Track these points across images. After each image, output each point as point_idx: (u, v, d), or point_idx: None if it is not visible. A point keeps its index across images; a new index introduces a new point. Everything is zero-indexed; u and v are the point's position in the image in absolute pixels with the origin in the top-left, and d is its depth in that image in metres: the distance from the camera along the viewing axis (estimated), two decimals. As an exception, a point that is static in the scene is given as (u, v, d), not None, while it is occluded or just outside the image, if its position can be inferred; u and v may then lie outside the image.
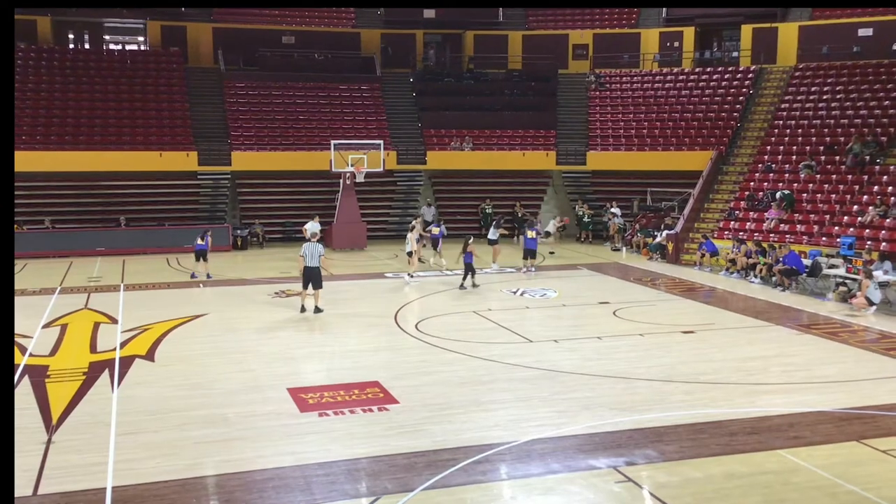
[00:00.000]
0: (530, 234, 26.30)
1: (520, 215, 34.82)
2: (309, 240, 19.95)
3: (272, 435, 11.39)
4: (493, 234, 26.93)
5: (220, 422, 11.87)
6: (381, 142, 32.59)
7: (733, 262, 25.48)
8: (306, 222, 27.66)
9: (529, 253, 26.08)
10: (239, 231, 32.30)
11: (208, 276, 24.31)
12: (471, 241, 23.29)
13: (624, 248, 31.31)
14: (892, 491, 9.44)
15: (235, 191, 34.61)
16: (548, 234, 29.02)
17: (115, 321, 18.71)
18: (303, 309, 19.44)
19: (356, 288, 23.28)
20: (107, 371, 14.53)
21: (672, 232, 29.18)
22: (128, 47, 41.69)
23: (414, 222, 26.76)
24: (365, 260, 28.80)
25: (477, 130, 36.89)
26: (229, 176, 34.49)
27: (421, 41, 41.46)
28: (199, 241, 24.29)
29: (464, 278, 22.90)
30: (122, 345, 16.49)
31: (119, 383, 13.86)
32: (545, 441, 11.11)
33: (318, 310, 19.20)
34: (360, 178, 31.53)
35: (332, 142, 31.87)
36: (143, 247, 30.43)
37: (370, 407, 12.50)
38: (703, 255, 27.00)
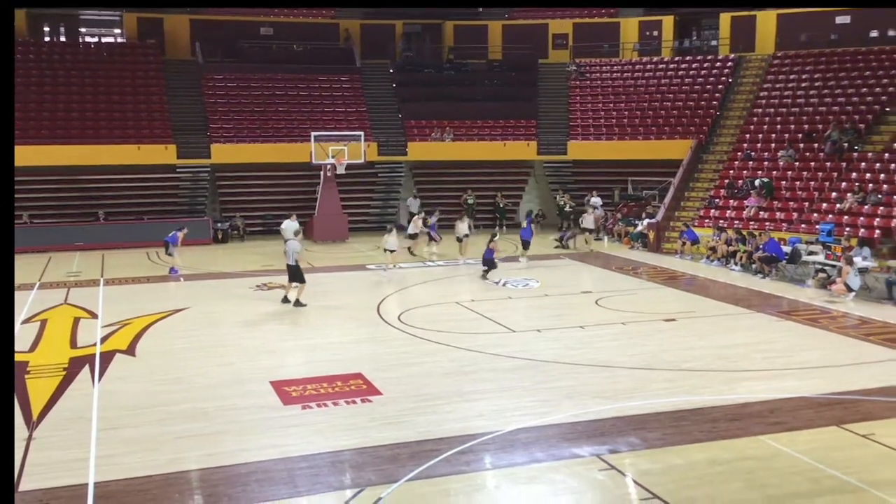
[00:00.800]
0: (523, 224, 26.97)
1: (501, 206, 34.84)
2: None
3: (255, 428, 11.35)
4: (527, 233, 26.81)
5: (203, 416, 11.80)
6: (362, 133, 32.47)
7: (714, 249, 25.61)
8: (287, 216, 27.21)
9: (524, 244, 26.14)
10: (219, 224, 32.12)
11: (172, 270, 24.07)
12: (496, 237, 23.70)
13: (606, 238, 31.38)
14: (871, 475, 9.54)
15: (215, 184, 34.39)
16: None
17: (94, 316, 18.57)
18: (285, 299, 19.60)
19: (338, 280, 23.21)
20: (87, 366, 14.41)
21: (653, 221, 29.28)
22: (104, 40, 41.26)
23: (417, 218, 27.79)
24: (346, 252, 28.72)
25: (458, 121, 36.82)
26: (209, 169, 34.26)
27: (400, 32, 41.29)
28: (170, 234, 24.33)
29: (486, 272, 23.00)
30: (103, 340, 16.36)
31: (100, 379, 13.75)
32: (528, 430, 11.13)
33: (297, 303, 19.15)
34: (340, 170, 31.40)
35: (313, 133, 31.71)
36: (123, 241, 30.20)
37: (353, 399, 12.47)
38: (683, 244, 27.12)
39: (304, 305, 19.07)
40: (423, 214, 28.84)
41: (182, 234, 24.67)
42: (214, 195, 34.25)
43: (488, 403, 12.26)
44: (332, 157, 31.12)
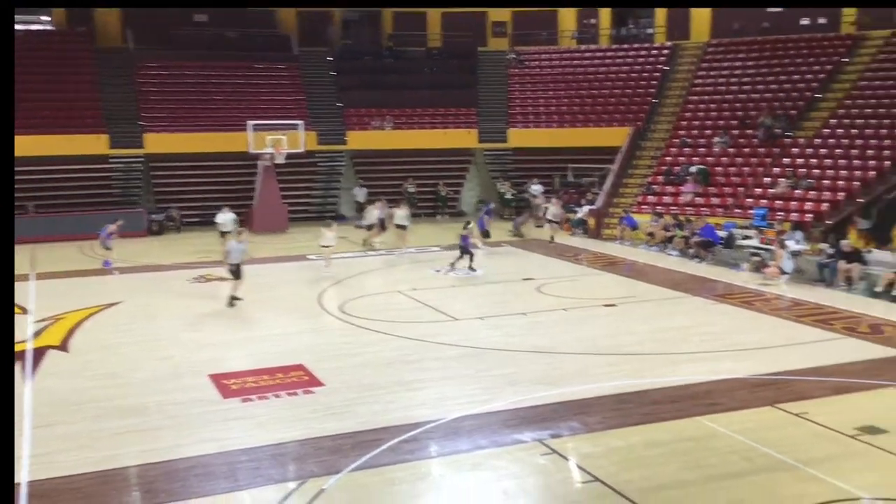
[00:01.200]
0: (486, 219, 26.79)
1: (443, 194, 34.82)
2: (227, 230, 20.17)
3: (194, 423, 11.15)
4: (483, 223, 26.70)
5: (140, 411, 11.55)
6: (301, 122, 32.08)
7: (652, 235, 26.00)
8: (222, 208, 26.15)
9: (484, 234, 26.19)
10: (154, 216, 31.44)
11: (105, 262, 23.48)
12: (469, 225, 23.18)
13: (546, 225, 31.58)
14: (804, 453, 9.79)
15: (149, 174, 33.62)
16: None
17: (25, 311, 18.00)
18: (231, 303, 18.34)
19: (278, 271, 22.93)
20: (19, 364, 13.98)
21: (593, 207, 29.60)
22: (32, 27, 39.93)
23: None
24: (287, 242, 28.39)
25: (398, 109, 36.64)
26: (142, 159, 33.48)
27: (339, 19, 40.81)
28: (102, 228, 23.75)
29: (458, 258, 22.11)
30: (34, 336, 15.89)
31: (32, 375, 13.36)
32: (472, 418, 11.16)
33: (233, 299, 18.30)
34: (279, 160, 30.99)
35: (250, 122, 31.22)
36: (54, 234, 29.34)
37: (295, 390, 12.34)
38: (623, 230, 27.48)
39: (241, 300, 18.56)
40: (379, 203, 28.02)
41: (116, 227, 24.05)
42: (149, 186, 33.50)
43: (431, 392, 12.26)
44: (271, 146, 30.69)
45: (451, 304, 18.17)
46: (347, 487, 9.12)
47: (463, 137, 36.15)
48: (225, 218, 25.40)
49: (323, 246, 22.91)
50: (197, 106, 35.17)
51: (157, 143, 33.30)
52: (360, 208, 32.50)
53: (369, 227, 27.10)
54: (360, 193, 33.52)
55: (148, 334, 16.06)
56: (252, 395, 12.16)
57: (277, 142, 30.78)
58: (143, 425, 11.02)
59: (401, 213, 26.13)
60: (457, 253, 22.26)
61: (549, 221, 27.90)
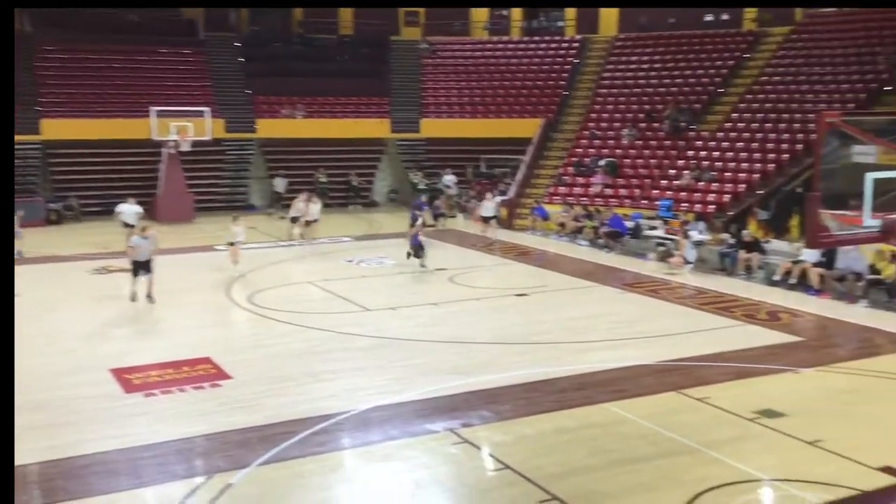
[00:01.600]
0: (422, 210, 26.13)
1: (355, 184, 34.53)
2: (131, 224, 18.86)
3: (95, 418, 10.76)
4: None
5: (39, 407, 11.07)
6: (207, 109, 31.25)
7: (563, 225, 26.38)
8: (126, 198, 24.73)
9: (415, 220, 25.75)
10: (52, 205, 30.19)
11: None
12: (419, 222, 22.31)
13: (460, 215, 31.69)
14: (706, 436, 10.08)
15: (47, 162, 32.23)
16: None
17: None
18: (133, 297, 17.26)
19: (185, 262, 22.29)
20: None
21: (505, 198, 29.83)
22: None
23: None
24: (194, 233, 27.65)
25: (309, 98, 36.09)
26: (40, 146, 32.07)
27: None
28: None
29: (416, 256, 21.11)
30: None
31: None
32: (383, 409, 11.10)
33: (150, 298, 17.23)
34: (184, 147, 30.13)
35: (153, 108, 30.25)
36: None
37: (201, 384, 12.03)
38: (534, 220, 27.79)
39: (154, 301, 17.21)
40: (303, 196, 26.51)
41: (18, 217, 22.91)
42: (46, 174, 32.12)
43: (342, 383, 12.14)
44: (176, 133, 29.82)
45: (363, 295, 18.03)
46: (256, 482, 8.94)
47: (375, 127, 35.88)
48: (128, 209, 24.06)
49: (230, 243, 21.08)
50: (98, 91, 33.87)
51: (56, 129, 31.93)
52: (280, 199, 31.87)
53: (294, 220, 25.79)
54: (281, 184, 32.84)
55: (47, 328, 15.40)
56: (156, 389, 11.81)
57: (182, 129, 29.92)
58: (42, 422, 10.58)
59: (315, 208, 25.48)
60: (416, 253, 21.17)
61: (485, 219, 26.30)
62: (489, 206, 26.68)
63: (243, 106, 35.36)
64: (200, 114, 30.62)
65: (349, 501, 8.85)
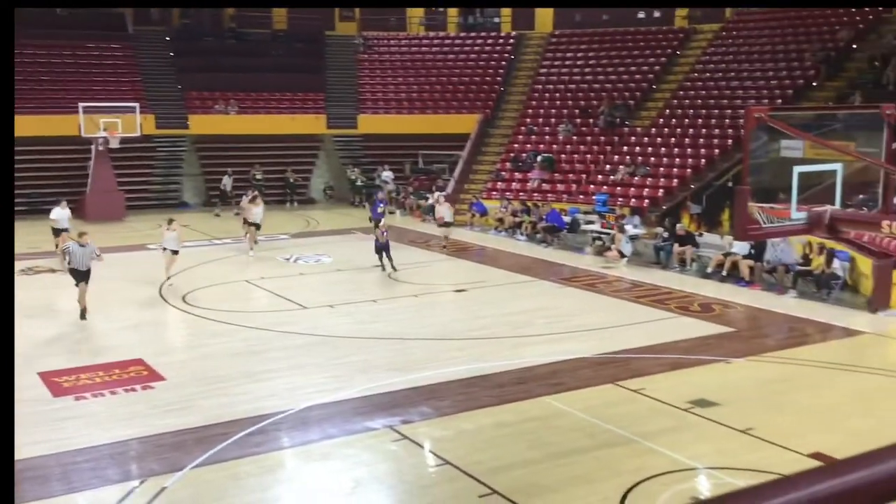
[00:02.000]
0: (381, 209, 25.07)
1: (292, 181, 34.15)
2: (70, 233, 17.01)
3: (24, 423, 10.33)
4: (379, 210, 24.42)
5: (-41, 415, 10.65)
6: (137, 104, 30.49)
7: (501, 220, 26.51)
8: (60, 202, 22.81)
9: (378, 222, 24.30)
10: (-23, 204, 29.14)
11: None
12: (382, 222, 21.20)
13: (398, 211, 31.61)
14: (642, 427, 10.22)
15: (-29, 159, 31.14)
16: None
17: None
18: (83, 315, 15.77)
19: (116, 261, 21.66)
20: None
21: (443, 194, 29.81)
22: None
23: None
24: (125, 231, 27.00)
25: (242, 93, 35.52)
26: (-37, 143, 30.95)
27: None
28: None
29: (385, 260, 20.05)
30: None
31: None
32: (322, 407, 10.99)
33: (83, 314, 15.75)
34: (114, 144, 29.39)
35: (81, 105, 29.42)
36: None
37: (133, 386, 11.75)
38: (473, 216, 27.86)
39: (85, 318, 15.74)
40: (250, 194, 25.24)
41: None
42: (-30, 172, 31.02)
43: (280, 382, 11.99)
44: (104, 130, 29.07)
45: (301, 293, 17.85)
46: (191, 484, 8.77)
47: (311, 123, 35.52)
48: (61, 214, 22.27)
49: (166, 249, 18.99)
50: (23, 87, 32.69)
51: (-22, 125, 30.85)
52: (227, 197, 31.01)
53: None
54: (230, 183, 32.12)
55: (-32, 331, 14.84)
56: (86, 392, 11.49)
57: (111, 125, 29.17)
58: (-38, 430, 10.17)
59: (257, 210, 23.40)
60: (384, 256, 20.16)
61: (442, 225, 24.08)
62: (445, 209, 24.32)
63: (174, 102, 34.63)
64: (130, 110, 29.88)
65: (287, 501, 8.75)
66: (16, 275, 19.85)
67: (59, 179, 29.84)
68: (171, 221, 19.37)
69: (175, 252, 18.84)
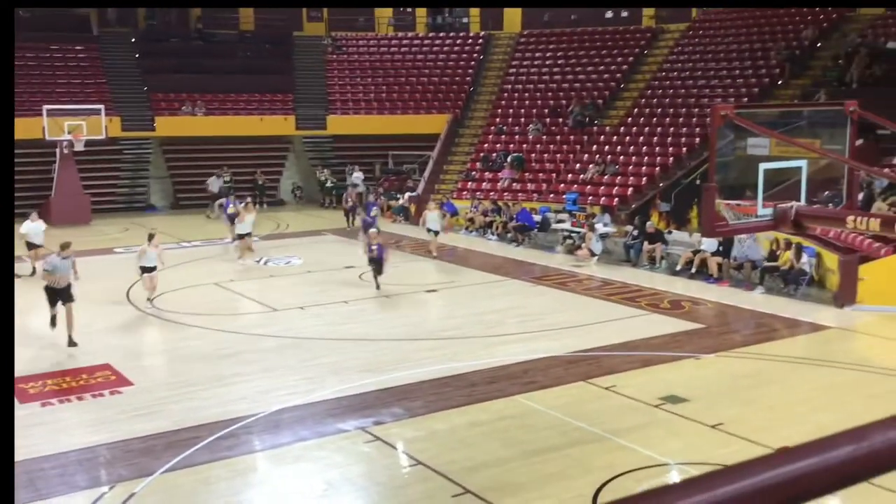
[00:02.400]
0: (374, 211, 23.93)
1: (260, 183, 33.91)
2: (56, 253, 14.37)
3: (-14, 432, 10.22)
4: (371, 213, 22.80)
5: (-79, 424, 10.45)
6: (102, 107, 30.10)
7: (472, 220, 26.53)
8: (30, 214, 20.87)
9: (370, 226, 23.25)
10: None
11: None
12: (374, 229, 18.89)
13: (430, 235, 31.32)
14: (613, 424, 10.27)
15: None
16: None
17: None
18: (53, 322, 14.24)
19: (82, 265, 21.33)
20: None
21: (414, 194, 29.81)
22: None
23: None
24: (91, 235, 26.64)
25: (210, 94, 35.19)
26: (-77, 147, 30.40)
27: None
28: None
29: (377, 273, 18.02)
30: None
31: None
32: (293, 409, 10.92)
33: (71, 342, 13.85)
34: (79, 147, 29.01)
35: (45, 107, 29.01)
36: None
37: (101, 391, 11.60)
38: (444, 216, 27.82)
39: (76, 344, 13.91)
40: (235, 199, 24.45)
41: None
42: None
43: (251, 385, 11.89)
44: (69, 132, 28.68)
45: (271, 295, 17.72)
46: (161, 489, 8.67)
47: (280, 124, 35.29)
48: (32, 227, 20.25)
49: (144, 268, 16.83)
50: (-15, 89, 32.29)
51: (-61, 128, 30.31)
52: (216, 199, 29.69)
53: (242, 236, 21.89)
54: (216, 184, 31.67)
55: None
56: (52, 398, 11.32)
57: (76, 128, 28.79)
58: (-76, 439, 9.98)
59: (249, 218, 21.81)
60: (377, 269, 18.12)
61: (430, 231, 22.49)
62: (434, 216, 22.59)
63: (140, 103, 34.24)
64: (95, 112, 29.52)
65: (259, 505, 8.67)
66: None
67: (23, 183, 29.31)
68: (152, 237, 17.31)
69: (154, 268, 16.88)
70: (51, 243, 18.38)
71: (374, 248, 17.95)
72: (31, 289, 17.39)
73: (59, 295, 14.02)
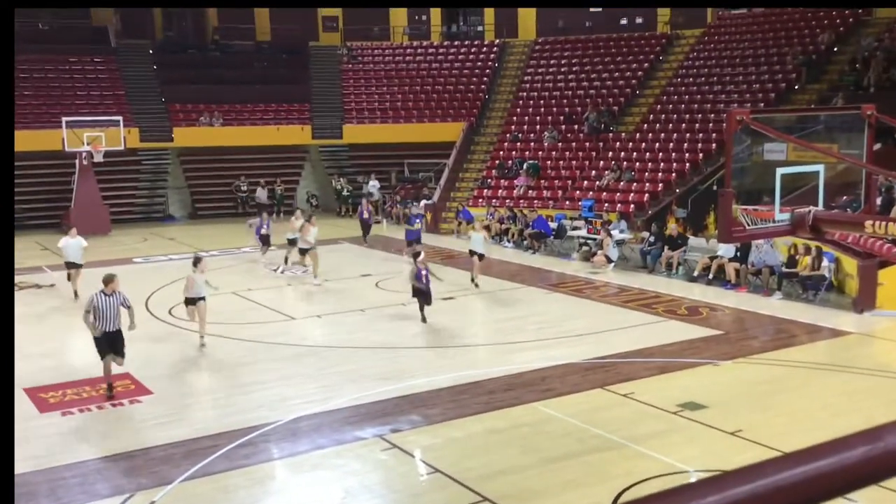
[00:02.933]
0: (417, 224, 23.17)
1: (279, 193, 34.09)
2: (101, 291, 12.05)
3: (8, 441, 10.31)
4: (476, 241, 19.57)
5: (-56, 433, 10.56)
6: (121, 118, 30.40)
7: (488, 228, 26.50)
8: (65, 227, 20.26)
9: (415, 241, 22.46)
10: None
11: None
12: (420, 256, 16.30)
13: (385, 220, 31.60)
14: (631, 431, 10.23)
15: (-46, 176, 30.96)
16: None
17: None
18: (110, 390, 11.94)
19: (100, 276, 21.60)
20: None
21: (430, 202, 29.88)
22: None
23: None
24: (110, 245, 26.86)
25: (227, 105, 35.45)
26: (-55, 159, 30.77)
27: (160, 11, 39.03)
28: None
29: (424, 304, 15.87)
30: None
31: None
32: (311, 417, 10.94)
33: (110, 390, 11.89)
34: (98, 158, 29.29)
35: (64, 119, 29.32)
36: None
37: (120, 401, 11.67)
38: (460, 223, 27.88)
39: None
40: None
41: None
42: (-47, 188, 30.84)
43: (269, 393, 11.93)
44: (88, 143, 28.97)
45: (288, 303, 17.83)
46: (180, 498, 8.71)
47: (296, 134, 35.47)
48: (73, 244, 18.46)
49: (191, 300, 14.56)
50: (6, 101, 32.65)
51: (-39, 141, 30.68)
52: (264, 209, 28.34)
53: (291, 242, 21.30)
54: (263, 194, 31.77)
55: (-47, 349, 14.72)
56: (72, 407, 11.40)
57: (95, 139, 29.08)
58: (-53, 448, 10.08)
59: (312, 232, 20.02)
60: (424, 299, 15.93)
61: (473, 253, 19.50)
62: (479, 239, 19.59)
63: (159, 115, 34.53)
64: (114, 123, 29.81)
65: (278, 513, 8.70)
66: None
67: (43, 195, 29.72)
68: (198, 261, 14.99)
69: (200, 300, 14.44)
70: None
71: (423, 273, 15.74)
72: (47, 298, 17.59)
73: (110, 345, 11.70)
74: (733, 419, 10.48)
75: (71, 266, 18.43)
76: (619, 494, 8.50)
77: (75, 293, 17.93)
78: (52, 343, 15.26)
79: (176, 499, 8.67)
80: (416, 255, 16.51)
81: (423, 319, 15.79)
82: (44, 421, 10.99)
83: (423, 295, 15.76)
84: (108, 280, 12.16)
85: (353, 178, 34.71)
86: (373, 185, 33.12)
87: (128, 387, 12.25)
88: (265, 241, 22.94)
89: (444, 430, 10.41)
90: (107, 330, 11.72)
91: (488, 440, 10.09)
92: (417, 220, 23.75)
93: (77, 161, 29.33)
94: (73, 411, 11.29)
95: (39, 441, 10.29)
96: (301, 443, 10.16)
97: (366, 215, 26.35)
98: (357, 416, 10.96)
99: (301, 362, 13.47)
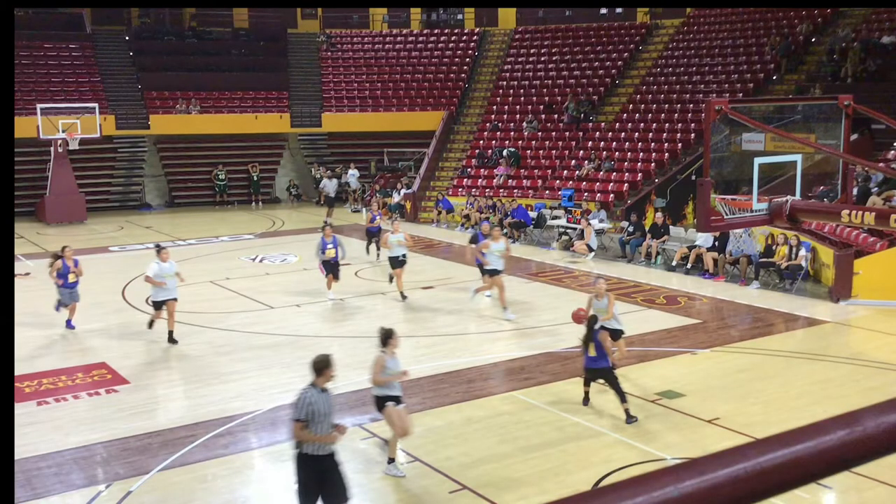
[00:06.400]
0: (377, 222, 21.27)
1: (255, 178, 33.89)
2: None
3: (-18, 431, 10.19)
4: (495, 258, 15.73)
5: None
6: (96, 105, 30.08)
7: (468, 217, 26.53)
8: (157, 247, 14.73)
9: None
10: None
11: None
12: (327, 223, 15.94)
13: (364, 209, 31.47)
14: (611, 420, 10.28)
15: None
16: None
17: None
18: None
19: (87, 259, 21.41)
20: None
21: (409, 191, 29.80)
22: None
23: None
24: (86, 234, 26.62)
25: (205, 92, 35.13)
26: (-83, 146, 30.30)
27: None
28: None
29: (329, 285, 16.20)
30: None
31: None
32: (289, 407, 10.87)
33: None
34: (73, 145, 28.97)
35: (39, 106, 28.96)
36: None
37: (97, 390, 11.58)
38: (439, 213, 27.85)
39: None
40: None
41: None
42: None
43: (247, 383, 11.88)
44: (63, 131, 28.63)
45: (267, 293, 17.71)
46: (157, 487, 8.65)
47: (275, 122, 35.24)
48: (166, 269, 14.07)
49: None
50: (-21, 88, 32.19)
51: (-67, 128, 30.22)
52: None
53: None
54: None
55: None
56: (48, 397, 11.30)
57: (70, 126, 28.74)
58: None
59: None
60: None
61: (495, 273, 15.73)
62: (499, 249, 15.59)
63: (135, 102, 34.18)
64: (89, 110, 29.47)
65: (255, 503, 8.66)
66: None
67: (19, 182, 29.30)
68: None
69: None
70: (45, 240, 18.31)
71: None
72: (22, 288, 17.41)
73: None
74: (711, 407, 10.55)
75: (160, 306, 13.88)
76: (598, 482, 8.54)
77: (170, 335, 13.85)
78: (28, 332, 15.08)
79: (153, 488, 8.62)
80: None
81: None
82: (20, 410, 10.85)
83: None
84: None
85: (332, 167, 34.53)
86: (352, 174, 32.98)
87: (104, 376, 12.16)
88: (373, 235, 20.30)
89: (423, 419, 10.40)
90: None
91: (467, 429, 10.10)
92: (377, 217, 21.56)
93: (52, 148, 28.99)
94: (49, 401, 11.18)
95: (15, 431, 10.17)
96: (280, 432, 10.11)
97: (376, 222, 21.17)
98: (336, 406, 10.90)
99: (279, 351, 13.42)
